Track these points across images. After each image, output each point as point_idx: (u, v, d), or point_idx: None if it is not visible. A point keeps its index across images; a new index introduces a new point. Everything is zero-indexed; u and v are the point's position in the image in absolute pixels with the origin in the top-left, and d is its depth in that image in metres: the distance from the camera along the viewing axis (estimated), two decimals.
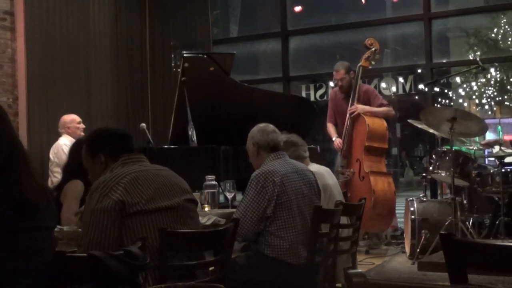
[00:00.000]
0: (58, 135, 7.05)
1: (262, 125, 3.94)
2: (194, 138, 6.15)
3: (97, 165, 2.98)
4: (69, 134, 6.95)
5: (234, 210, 4.10)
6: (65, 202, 4.15)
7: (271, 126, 3.92)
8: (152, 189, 2.78)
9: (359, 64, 7.13)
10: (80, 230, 2.91)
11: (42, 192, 2.12)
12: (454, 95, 18.27)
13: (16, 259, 1.97)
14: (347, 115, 7.02)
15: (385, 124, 7.03)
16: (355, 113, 6.97)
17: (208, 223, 3.78)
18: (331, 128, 7.27)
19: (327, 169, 4.78)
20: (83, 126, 6.99)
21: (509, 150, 6.36)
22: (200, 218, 3.80)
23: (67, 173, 4.41)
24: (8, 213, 1.97)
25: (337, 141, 7.12)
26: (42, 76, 7.89)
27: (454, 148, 6.46)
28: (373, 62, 7.23)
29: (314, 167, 4.48)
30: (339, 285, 4.10)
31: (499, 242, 3.50)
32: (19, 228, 2.00)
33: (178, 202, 2.86)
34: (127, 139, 3.03)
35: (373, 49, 7.16)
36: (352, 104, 7.00)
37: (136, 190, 2.72)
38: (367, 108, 7.02)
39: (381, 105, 7.11)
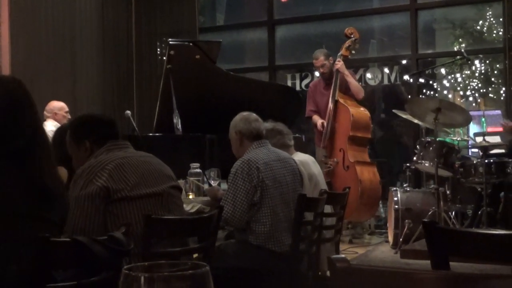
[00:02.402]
0: (42, 121, 7.00)
1: (245, 113, 3.94)
2: (179, 126, 6.13)
3: (82, 152, 2.96)
4: (55, 120, 6.93)
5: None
6: None
7: (254, 115, 3.92)
8: (137, 176, 2.77)
9: (339, 53, 7.16)
10: None
11: (59, 183, 2.13)
12: (439, 86, 18.31)
13: (8, 244, 1.97)
14: (329, 104, 7.01)
15: (368, 114, 7.06)
16: (338, 66, 6.99)
17: (193, 210, 3.78)
18: (316, 117, 7.26)
19: (312, 158, 4.79)
20: (69, 117, 6.96)
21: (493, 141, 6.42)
22: (184, 205, 3.80)
23: None
24: (17, 197, 1.98)
25: (320, 122, 7.08)
26: (27, 63, 7.82)
27: (438, 139, 6.50)
28: (353, 51, 7.25)
29: (299, 156, 4.48)
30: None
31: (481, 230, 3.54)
32: (23, 214, 2.00)
33: (163, 189, 2.86)
34: (113, 125, 3.01)
35: (353, 38, 7.18)
36: (334, 93, 7.00)
37: (121, 177, 2.71)
38: (347, 71, 7.07)
39: None
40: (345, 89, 7.11)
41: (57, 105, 7.04)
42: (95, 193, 2.64)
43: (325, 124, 7.02)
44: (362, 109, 7.04)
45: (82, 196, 2.64)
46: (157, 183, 2.85)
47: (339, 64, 7.01)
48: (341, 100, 6.99)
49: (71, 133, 3.05)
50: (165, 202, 2.86)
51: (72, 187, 2.73)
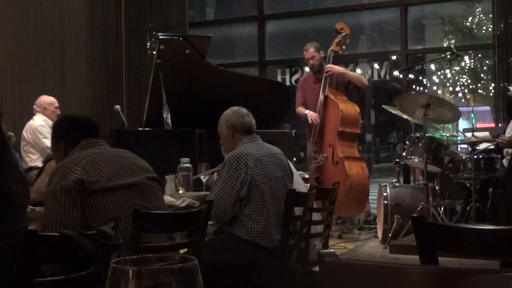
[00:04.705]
0: (31, 115, 6.99)
1: (235, 108, 3.94)
2: (169, 121, 6.13)
3: (59, 152, 3.03)
4: (44, 115, 6.91)
5: (208, 192, 4.10)
6: (41, 175, 4.22)
7: (244, 109, 3.92)
8: (112, 169, 2.81)
9: (330, 49, 7.14)
10: None
11: (17, 174, 2.12)
12: (428, 82, 18.40)
13: None
14: (320, 98, 7.00)
15: (357, 109, 7.05)
16: (330, 72, 6.96)
17: (182, 205, 3.77)
18: (301, 109, 7.24)
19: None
20: (59, 112, 6.94)
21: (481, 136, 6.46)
22: (174, 200, 3.80)
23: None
24: None
25: (311, 114, 7.04)
26: (15, 57, 7.79)
27: (427, 134, 6.52)
28: (343, 47, 7.23)
29: None
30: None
31: (470, 226, 3.57)
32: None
33: (140, 179, 2.89)
34: (88, 126, 3.03)
35: (343, 33, 7.17)
36: (324, 89, 7.00)
37: (95, 170, 2.75)
38: (341, 69, 7.06)
39: None
40: (337, 85, 7.09)
41: (47, 100, 7.02)
42: (70, 186, 2.67)
43: (311, 115, 6.99)
44: (351, 104, 7.03)
45: (57, 190, 2.67)
46: (133, 174, 2.88)
47: (331, 70, 6.96)
48: (331, 96, 6.98)
49: (52, 132, 3.14)
50: (144, 193, 2.88)
51: (48, 183, 2.76)
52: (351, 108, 6.98)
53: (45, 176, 4.26)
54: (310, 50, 7.17)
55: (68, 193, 2.66)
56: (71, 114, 3.33)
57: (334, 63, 7.14)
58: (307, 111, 7.08)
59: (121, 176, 2.81)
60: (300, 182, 4.49)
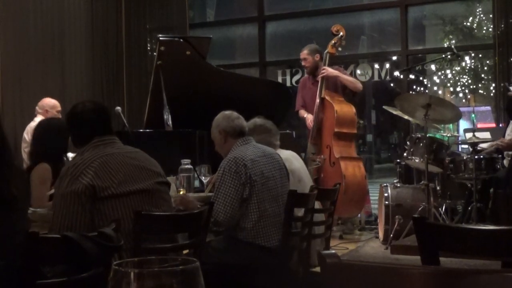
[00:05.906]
0: (32, 116, 6.98)
1: (226, 112, 3.96)
2: (170, 122, 6.13)
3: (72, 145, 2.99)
4: (45, 117, 6.89)
5: (209, 194, 4.10)
6: (33, 189, 4.09)
7: (235, 113, 3.94)
8: (123, 173, 2.76)
9: (325, 51, 7.14)
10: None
11: (18, 176, 2.12)
12: (429, 82, 18.36)
13: None
14: (316, 101, 7.00)
15: (353, 109, 7.04)
16: (324, 74, 6.96)
17: None
18: (302, 112, 7.25)
19: (294, 153, 4.77)
20: (60, 116, 6.92)
21: (482, 137, 6.45)
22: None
23: (33, 157, 4.29)
24: None
25: (309, 122, 7.07)
26: (16, 58, 7.79)
27: (428, 135, 6.51)
28: (339, 49, 7.22)
29: (282, 153, 4.47)
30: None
31: (471, 226, 3.56)
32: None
33: (151, 184, 2.86)
34: (100, 124, 2.92)
35: (339, 35, 7.16)
36: (320, 91, 6.99)
37: (106, 174, 2.70)
38: (335, 72, 7.05)
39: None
40: (334, 87, 7.09)
41: (49, 102, 7.00)
42: (81, 191, 2.63)
43: (309, 123, 7.01)
44: (347, 105, 7.02)
45: (67, 193, 2.64)
46: (144, 179, 2.84)
47: (326, 72, 6.96)
48: (327, 97, 6.98)
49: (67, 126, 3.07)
50: (153, 198, 2.85)
51: (58, 184, 2.72)
52: (346, 109, 6.98)
53: (38, 186, 4.12)
54: (304, 52, 7.19)
55: (78, 198, 2.63)
56: (78, 108, 2.99)
57: (331, 64, 7.13)
58: (305, 115, 7.10)
59: (131, 182, 2.78)
60: (308, 177, 4.52)
